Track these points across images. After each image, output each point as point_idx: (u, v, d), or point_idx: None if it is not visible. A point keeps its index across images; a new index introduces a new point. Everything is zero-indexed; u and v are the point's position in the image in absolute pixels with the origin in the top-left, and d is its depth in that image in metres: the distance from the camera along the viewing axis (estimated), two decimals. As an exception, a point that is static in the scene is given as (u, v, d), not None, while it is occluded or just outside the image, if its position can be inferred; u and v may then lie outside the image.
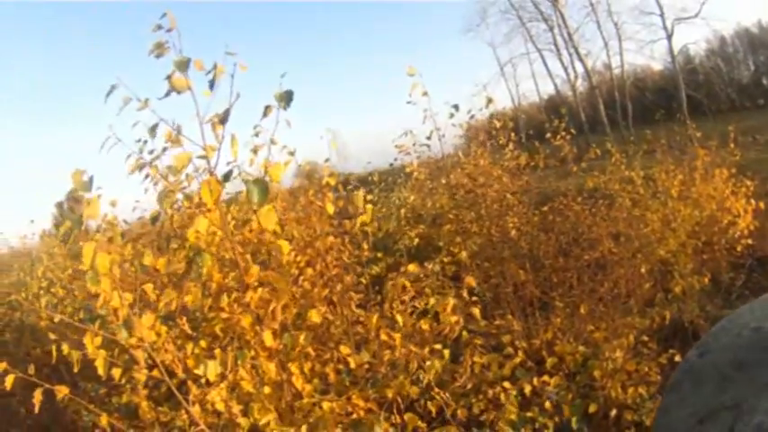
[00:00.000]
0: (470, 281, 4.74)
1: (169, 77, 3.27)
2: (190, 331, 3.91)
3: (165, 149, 3.91)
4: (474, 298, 4.85)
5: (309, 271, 5.14)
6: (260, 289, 3.75)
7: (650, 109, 46.12)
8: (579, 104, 44.29)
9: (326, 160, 8.04)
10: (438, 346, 4.55)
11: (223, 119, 3.29)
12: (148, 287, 3.66)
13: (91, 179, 3.12)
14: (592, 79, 44.27)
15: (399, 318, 4.35)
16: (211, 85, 3.29)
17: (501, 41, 49.99)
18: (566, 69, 45.08)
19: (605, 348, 5.71)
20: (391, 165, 10.41)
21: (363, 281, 5.63)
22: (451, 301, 4.48)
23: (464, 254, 7.60)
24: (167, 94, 3.35)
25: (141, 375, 3.81)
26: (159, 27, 3.28)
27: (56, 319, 3.91)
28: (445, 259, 7.98)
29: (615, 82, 43.51)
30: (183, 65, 3.22)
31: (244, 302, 3.81)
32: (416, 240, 9.43)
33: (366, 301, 5.42)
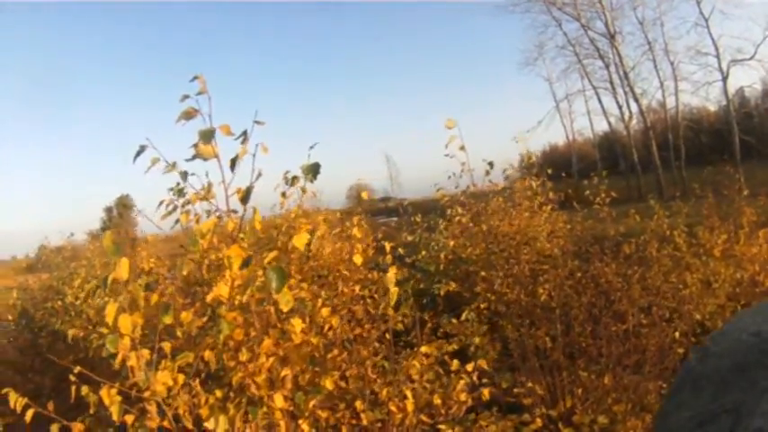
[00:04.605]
0: (482, 363, 4.74)
1: (195, 146, 3.34)
2: (201, 390, 3.96)
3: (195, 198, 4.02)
4: (485, 379, 4.86)
5: (335, 321, 5.18)
6: (272, 358, 3.84)
7: (704, 151, 45.81)
8: (633, 144, 43.86)
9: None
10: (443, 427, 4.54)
11: (244, 198, 3.37)
12: (166, 345, 3.74)
13: (118, 245, 3.19)
14: (646, 119, 43.76)
15: (409, 393, 4.38)
16: (232, 166, 3.37)
17: (558, 77, 49.65)
18: (620, 108, 44.91)
19: (621, 429, 5.61)
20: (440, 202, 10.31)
21: (387, 336, 5.65)
22: (462, 383, 4.51)
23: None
24: (193, 158, 3.43)
25: (153, 423, 3.89)
26: (186, 97, 3.35)
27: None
28: (482, 305, 7.96)
29: (669, 122, 43.08)
30: (209, 135, 3.29)
31: (258, 364, 3.88)
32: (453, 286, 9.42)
33: (387, 355, 5.46)
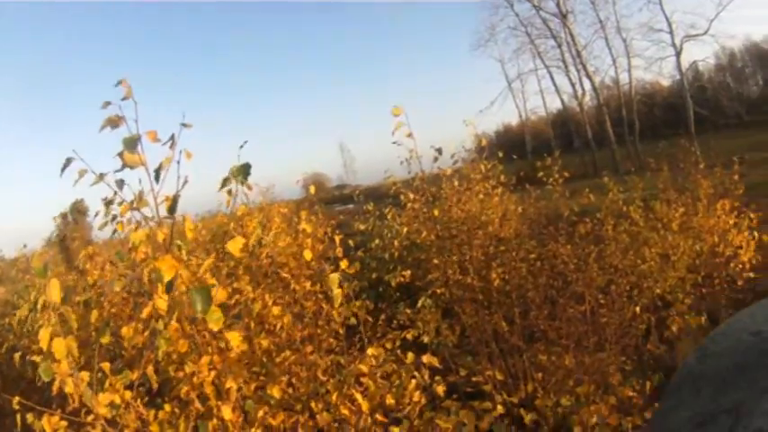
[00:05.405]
0: (432, 360, 4.67)
1: (121, 155, 3.20)
2: (144, 411, 3.84)
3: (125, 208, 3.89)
4: (437, 377, 4.80)
5: (286, 320, 5.09)
6: (213, 372, 3.74)
7: (658, 125, 46.34)
8: (587, 121, 44.17)
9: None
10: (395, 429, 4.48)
11: (171, 208, 3.24)
12: (106, 365, 3.63)
13: (47, 266, 3.07)
14: (600, 96, 44.12)
15: (359, 396, 4.29)
16: (157, 175, 3.24)
17: (510, 58, 49.86)
18: (573, 86, 45.19)
19: (584, 413, 5.55)
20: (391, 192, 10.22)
21: (340, 330, 5.57)
22: (414, 382, 4.44)
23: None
24: (122, 169, 3.30)
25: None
26: (108, 103, 3.21)
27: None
28: (439, 290, 7.94)
29: (623, 98, 43.36)
30: (133, 143, 3.15)
31: (201, 377, 3.78)
32: (407, 275, 9.42)
33: (342, 350, 5.40)
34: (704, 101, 46.33)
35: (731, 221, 10.54)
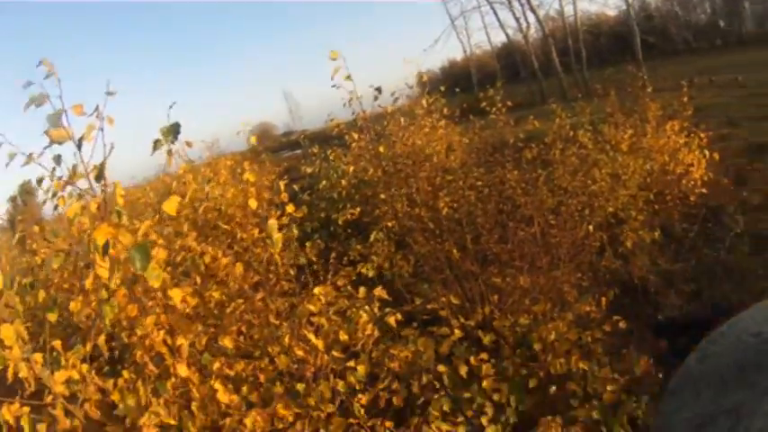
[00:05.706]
0: (381, 293, 4.76)
1: (47, 132, 3.23)
2: (101, 382, 3.88)
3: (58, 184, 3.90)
4: (388, 309, 4.88)
5: (238, 269, 5.15)
6: (161, 331, 3.79)
7: (604, 54, 46.35)
8: (532, 52, 43.90)
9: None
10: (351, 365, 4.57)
11: (98, 176, 3.29)
12: (57, 343, 3.69)
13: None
14: (545, 28, 43.89)
15: (311, 336, 4.38)
16: (79, 146, 3.27)
17: (451, -4, 49.19)
18: (518, 20, 44.56)
19: (543, 330, 5.67)
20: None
21: (291, 272, 5.65)
22: (365, 316, 4.53)
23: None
24: (50, 145, 3.33)
25: (64, 425, 3.79)
26: (30, 83, 3.23)
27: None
28: (390, 224, 8.08)
29: (569, 29, 43.08)
30: (56, 118, 3.17)
31: (151, 339, 3.82)
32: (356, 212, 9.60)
33: (294, 290, 5.47)
34: (651, 28, 46.45)
35: (681, 141, 10.75)
